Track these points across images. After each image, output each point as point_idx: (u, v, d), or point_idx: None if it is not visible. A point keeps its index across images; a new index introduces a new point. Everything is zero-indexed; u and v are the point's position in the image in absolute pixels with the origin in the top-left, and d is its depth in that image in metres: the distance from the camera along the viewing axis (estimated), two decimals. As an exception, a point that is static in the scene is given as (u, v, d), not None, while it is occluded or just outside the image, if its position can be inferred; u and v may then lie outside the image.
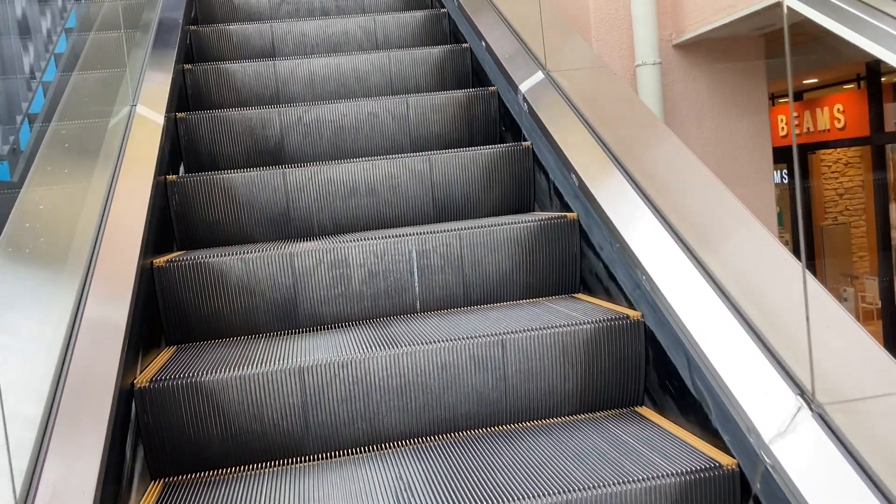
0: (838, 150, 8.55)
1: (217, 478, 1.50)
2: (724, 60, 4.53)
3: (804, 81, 7.73)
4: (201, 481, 1.49)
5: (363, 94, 2.98)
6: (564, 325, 1.66)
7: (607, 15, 4.53)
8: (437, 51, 3.02)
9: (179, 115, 2.54)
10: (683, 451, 1.40)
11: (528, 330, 1.65)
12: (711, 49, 4.53)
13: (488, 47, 2.75)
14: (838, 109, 7.90)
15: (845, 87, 7.84)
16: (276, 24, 3.32)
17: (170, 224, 2.18)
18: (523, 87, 2.39)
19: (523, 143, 2.38)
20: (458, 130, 2.71)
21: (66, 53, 3.85)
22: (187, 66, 2.89)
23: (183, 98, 2.83)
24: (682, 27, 4.47)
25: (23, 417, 1.23)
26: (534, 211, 2.36)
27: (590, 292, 1.98)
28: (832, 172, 8.90)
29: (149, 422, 1.51)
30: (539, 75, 2.36)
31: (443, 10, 3.38)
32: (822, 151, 8.40)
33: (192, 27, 3.27)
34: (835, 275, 7.93)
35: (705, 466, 1.33)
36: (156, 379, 1.52)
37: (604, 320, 1.66)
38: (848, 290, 7.58)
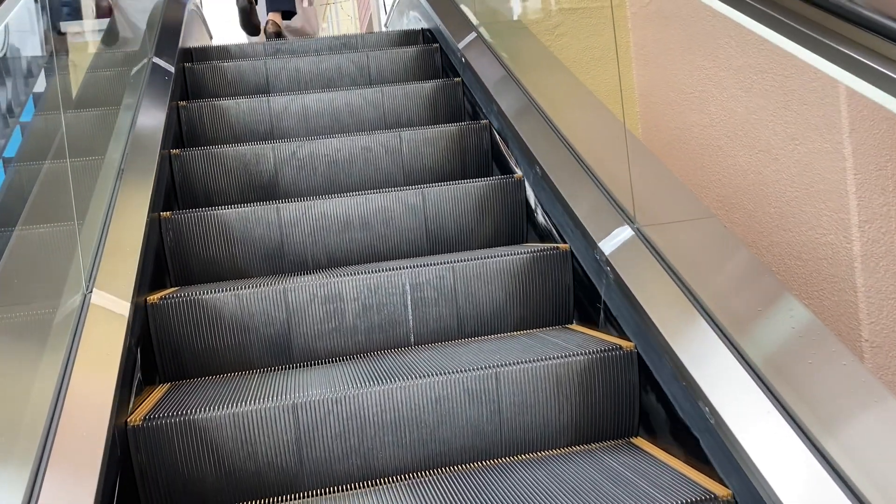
0: None
1: (211, 516, 1.49)
2: None
3: None
4: (195, 520, 1.48)
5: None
6: (558, 357, 1.66)
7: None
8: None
9: (174, 151, 2.55)
10: (678, 482, 1.39)
11: (522, 362, 1.65)
12: None
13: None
14: None
15: None
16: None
17: (164, 260, 2.19)
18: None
19: (514, 175, 2.40)
20: (451, 163, 2.73)
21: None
22: (182, 103, 2.92)
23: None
24: None
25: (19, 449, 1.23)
26: (527, 242, 2.37)
27: (583, 322, 1.99)
28: None
29: (142, 460, 1.50)
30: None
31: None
32: None
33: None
34: None
35: (700, 498, 1.32)
36: (149, 417, 1.51)
37: (597, 351, 1.67)
38: None
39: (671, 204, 1.86)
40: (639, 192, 1.85)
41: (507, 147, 2.55)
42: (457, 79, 3.13)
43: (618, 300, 1.74)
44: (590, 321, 1.93)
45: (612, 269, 1.75)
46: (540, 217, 2.27)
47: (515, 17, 3.51)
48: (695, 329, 1.50)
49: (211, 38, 5.09)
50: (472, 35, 3.16)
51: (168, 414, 1.52)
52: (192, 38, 3.91)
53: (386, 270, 1.95)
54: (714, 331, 1.46)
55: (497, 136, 2.67)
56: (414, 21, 4.04)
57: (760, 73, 2.39)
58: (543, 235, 2.27)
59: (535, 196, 2.30)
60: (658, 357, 1.56)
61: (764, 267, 1.62)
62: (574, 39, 3.32)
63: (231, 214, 2.23)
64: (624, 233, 1.80)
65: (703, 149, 2.73)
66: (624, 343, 1.69)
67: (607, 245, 1.81)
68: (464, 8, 3.43)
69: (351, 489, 1.55)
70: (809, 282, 2.21)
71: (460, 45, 3.14)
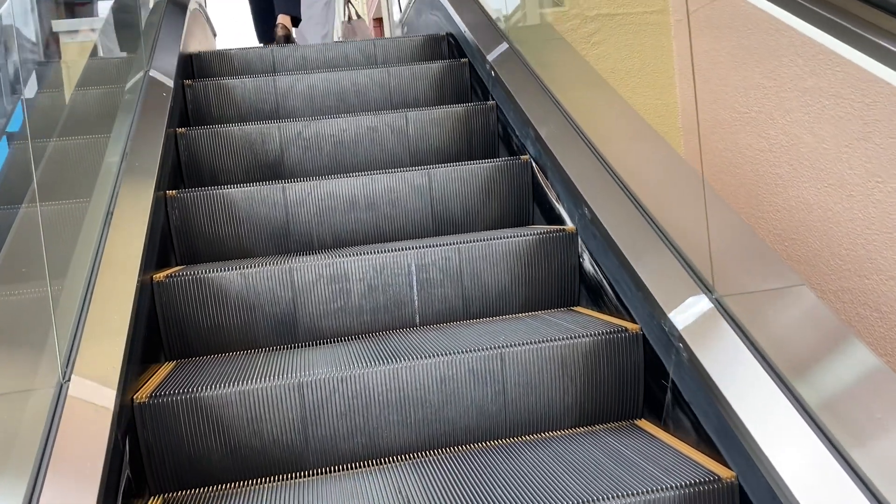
0: None
1: (217, 493, 1.50)
2: None
3: None
4: (201, 497, 1.49)
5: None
6: (563, 339, 1.66)
7: None
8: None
9: (180, 130, 2.55)
10: (682, 464, 1.40)
11: (527, 343, 1.65)
12: None
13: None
14: None
15: None
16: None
17: (169, 239, 2.19)
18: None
19: (521, 157, 2.39)
20: (457, 143, 2.72)
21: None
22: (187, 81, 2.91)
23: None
24: None
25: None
26: (533, 224, 2.37)
27: (588, 305, 1.99)
28: None
29: (148, 437, 1.51)
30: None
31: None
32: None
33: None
34: None
35: (703, 479, 1.33)
36: (155, 394, 1.52)
37: (602, 333, 1.67)
38: None
39: (754, 268, 1.60)
40: (717, 253, 1.58)
41: (547, 178, 2.24)
42: (463, 60, 3.10)
43: (691, 384, 1.48)
44: (656, 414, 1.65)
45: (686, 346, 1.48)
46: (588, 265, 1.97)
47: (550, 25, 3.11)
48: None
49: (215, 35, 4.97)
50: (503, 46, 2.83)
51: (174, 391, 1.53)
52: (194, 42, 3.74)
53: (391, 251, 1.95)
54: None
55: (535, 166, 2.35)
56: (433, 25, 3.69)
57: (834, 98, 2.07)
58: (593, 289, 1.95)
59: (584, 242, 1.98)
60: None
61: (864, 345, 1.36)
62: (612, 48, 3.06)
63: (237, 194, 2.23)
64: (700, 303, 1.53)
65: (758, 177, 2.42)
66: (629, 325, 1.69)
67: (680, 317, 1.53)
68: (492, 13, 3.12)
69: (356, 468, 1.56)
70: (888, 338, 2.01)
71: (490, 57, 2.81)
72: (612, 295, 1.81)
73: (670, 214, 1.76)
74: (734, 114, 2.55)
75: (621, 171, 1.94)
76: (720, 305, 1.50)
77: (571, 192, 2.04)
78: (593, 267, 1.88)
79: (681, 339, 1.50)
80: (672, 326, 1.53)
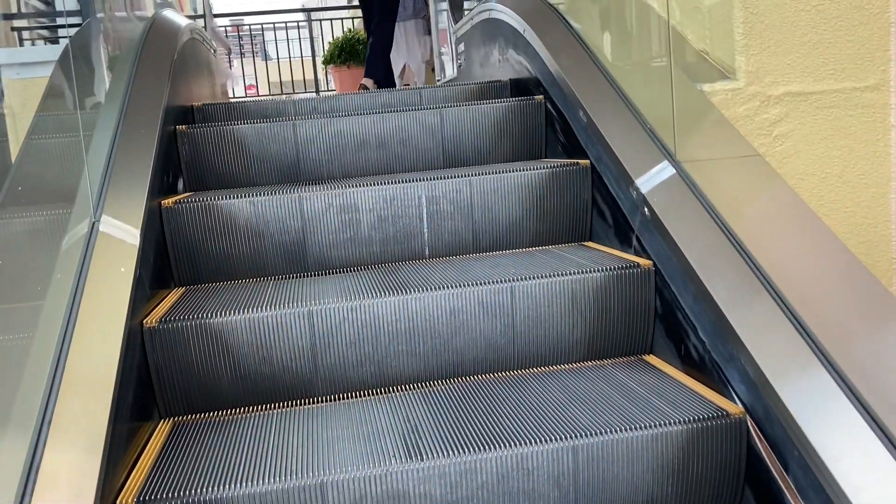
0: None
1: (226, 418, 1.51)
2: None
3: None
4: (211, 421, 1.50)
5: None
6: (574, 273, 1.65)
7: None
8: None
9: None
10: (690, 399, 1.39)
11: (537, 277, 1.64)
12: None
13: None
14: None
15: None
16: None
17: (179, 176, 2.17)
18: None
19: (535, 97, 2.35)
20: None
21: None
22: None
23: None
24: None
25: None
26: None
27: (600, 240, 1.97)
28: None
29: (158, 361, 1.51)
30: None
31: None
32: None
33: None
34: None
35: (713, 415, 1.32)
36: (165, 319, 1.52)
37: (614, 268, 1.65)
38: None
39: None
40: None
41: (786, 470, 1.19)
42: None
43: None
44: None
45: None
46: None
47: (735, 130, 1.89)
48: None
49: (229, 51, 4.62)
50: (666, 170, 1.74)
51: (184, 316, 1.53)
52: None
53: (402, 182, 1.93)
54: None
55: (751, 424, 1.30)
56: (507, 66, 2.78)
57: None
58: None
59: None
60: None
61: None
62: (803, 143, 2.19)
63: (247, 130, 2.21)
64: None
65: None
66: (641, 261, 1.68)
67: None
68: (625, 87, 2.08)
69: (364, 395, 1.57)
70: None
71: (642, 184, 1.73)
72: None
73: None
74: None
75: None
76: None
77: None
78: None
79: None
80: None
